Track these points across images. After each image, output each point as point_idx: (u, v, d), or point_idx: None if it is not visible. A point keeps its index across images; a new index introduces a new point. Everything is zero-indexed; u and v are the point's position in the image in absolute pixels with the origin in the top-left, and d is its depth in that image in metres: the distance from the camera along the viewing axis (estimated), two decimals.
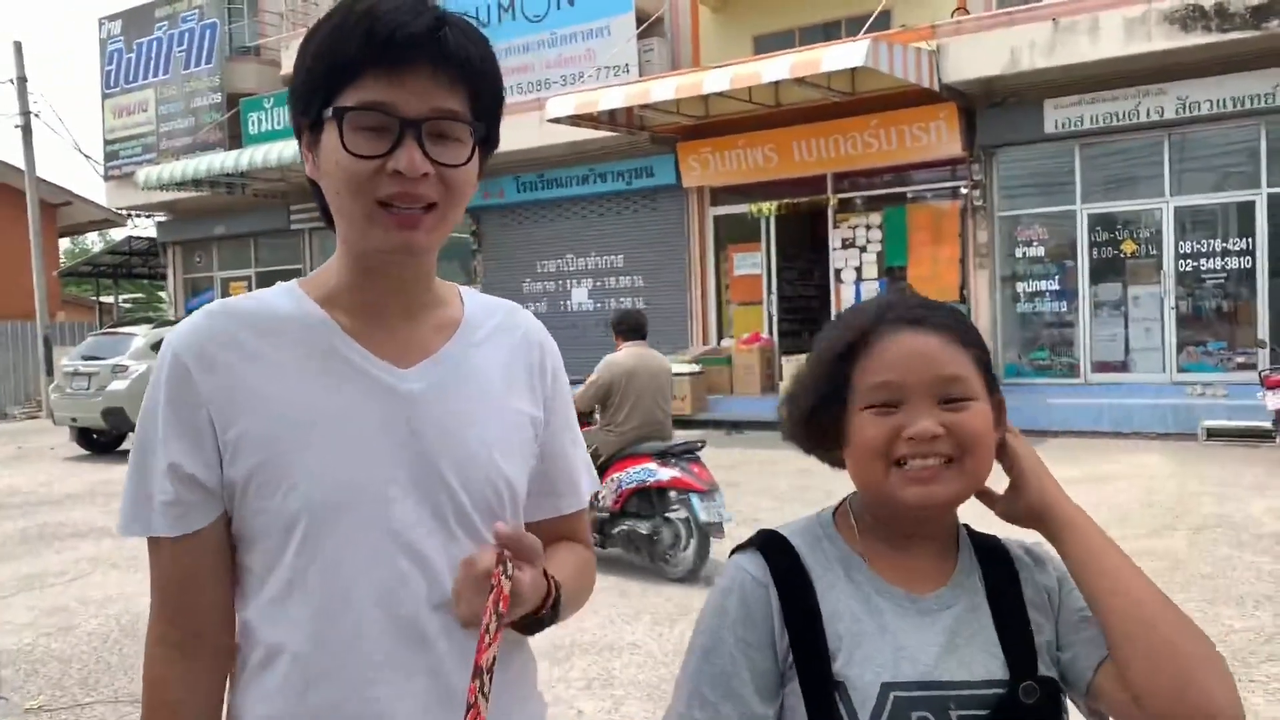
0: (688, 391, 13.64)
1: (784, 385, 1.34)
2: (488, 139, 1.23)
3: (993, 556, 1.26)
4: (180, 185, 18.25)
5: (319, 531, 1.18)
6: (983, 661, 1.18)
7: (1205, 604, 5.44)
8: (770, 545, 1.23)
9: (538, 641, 4.59)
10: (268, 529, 1.19)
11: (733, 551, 1.26)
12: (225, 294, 21.19)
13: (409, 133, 1.14)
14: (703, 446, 6.55)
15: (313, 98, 1.18)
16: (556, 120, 13.47)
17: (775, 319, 14.76)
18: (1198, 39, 10.74)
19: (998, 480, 1.24)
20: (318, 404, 1.20)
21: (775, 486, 9.28)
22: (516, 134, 14.87)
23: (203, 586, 1.22)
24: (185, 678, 1.22)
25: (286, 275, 19.32)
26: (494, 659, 1.09)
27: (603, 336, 15.48)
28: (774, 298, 14.78)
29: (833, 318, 1.30)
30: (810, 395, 1.25)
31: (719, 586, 1.22)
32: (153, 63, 22.38)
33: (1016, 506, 1.23)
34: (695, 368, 14.01)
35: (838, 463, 1.28)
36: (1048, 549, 1.26)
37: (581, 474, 1.41)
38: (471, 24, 1.21)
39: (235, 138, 20.20)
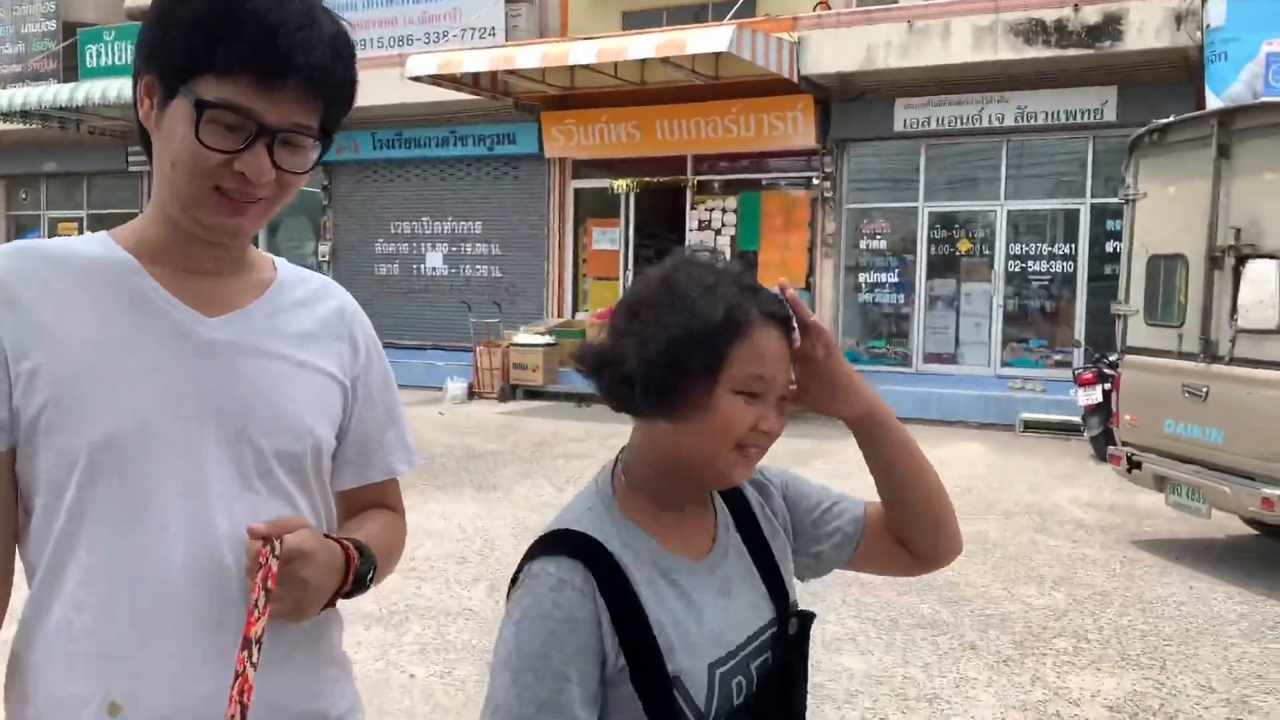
0: (540, 362, 13.66)
1: (639, 338, 1.21)
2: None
3: (732, 500, 1.37)
4: (6, 116, 17.00)
5: (108, 470, 1.18)
6: (755, 607, 1.30)
7: (1009, 583, 5.86)
8: (585, 551, 1.20)
9: (369, 606, 4.62)
10: (53, 467, 1.18)
11: (535, 553, 1.22)
12: (54, 235, 19.84)
13: (262, 140, 1.17)
14: None
15: (175, 62, 1.17)
16: (417, 79, 13.18)
17: None
18: (1038, 52, 11.36)
19: None
20: (117, 344, 1.20)
21: None
22: (375, 89, 14.43)
23: None
24: None
25: (122, 218, 18.30)
26: (263, 631, 1.14)
27: (456, 304, 15.37)
28: (630, 274, 14.90)
29: (687, 278, 1.23)
30: (682, 363, 1.19)
31: (538, 595, 1.18)
32: None
33: (847, 412, 1.33)
34: (549, 339, 14.03)
35: (646, 421, 1.26)
36: (768, 473, 1.41)
37: (394, 446, 1.44)
38: (346, 34, 1.22)
39: (71, 69, 18.93)
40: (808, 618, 1.32)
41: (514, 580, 1.23)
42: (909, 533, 1.38)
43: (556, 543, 1.21)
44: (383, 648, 4.63)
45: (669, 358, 1.18)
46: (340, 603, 1.31)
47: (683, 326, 1.19)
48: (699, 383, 1.19)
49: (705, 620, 1.24)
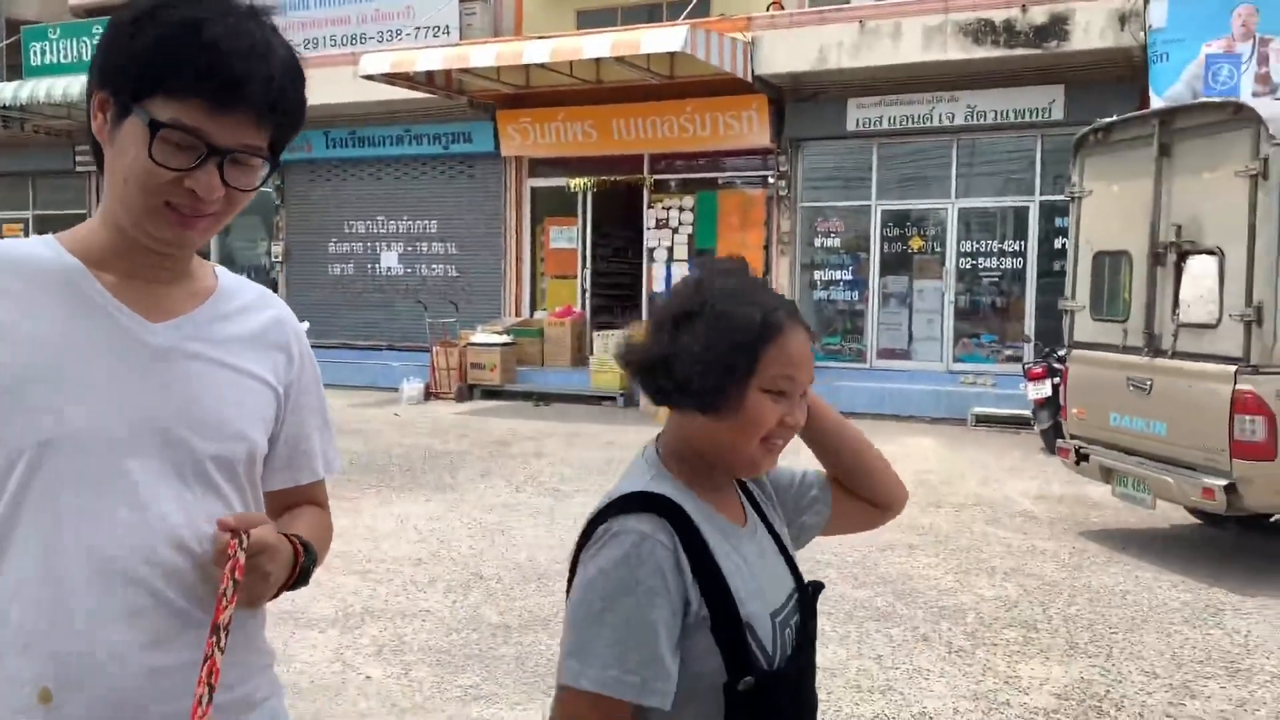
0: (498, 361, 13.63)
1: (682, 342, 1.33)
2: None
3: (742, 487, 1.51)
4: None
5: (49, 467, 1.22)
6: (784, 573, 1.46)
7: (961, 575, 5.95)
8: (665, 509, 1.31)
9: (326, 609, 4.61)
10: None
11: (613, 512, 1.31)
12: None
13: (213, 159, 1.21)
14: None
15: (130, 83, 1.21)
16: (371, 77, 13.10)
17: (588, 294, 14.92)
18: (987, 52, 11.53)
19: None
20: (64, 346, 1.24)
21: (580, 457, 9.45)
22: (328, 88, 14.33)
23: None
24: None
25: (69, 219, 17.95)
26: (230, 619, 1.23)
27: (412, 304, 15.27)
28: (588, 272, 14.91)
29: (721, 287, 1.36)
30: (724, 367, 1.32)
31: (625, 549, 1.27)
32: None
33: None
34: (507, 339, 14.00)
35: (682, 414, 1.39)
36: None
37: (318, 454, 1.50)
38: (297, 59, 1.27)
39: (14, 68, 18.55)
40: (820, 586, 1.49)
41: (585, 538, 1.33)
42: (859, 490, 1.59)
43: (635, 502, 1.32)
44: (339, 650, 4.61)
45: (712, 363, 1.31)
46: (275, 600, 1.38)
47: (724, 334, 1.32)
48: (735, 384, 1.32)
49: (761, 576, 1.39)
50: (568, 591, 1.33)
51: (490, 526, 6.89)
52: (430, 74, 13.37)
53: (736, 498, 1.47)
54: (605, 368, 13.22)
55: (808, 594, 1.46)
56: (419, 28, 15.65)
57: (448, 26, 15.51)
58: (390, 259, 16.04)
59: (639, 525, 1.28)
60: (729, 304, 1.33)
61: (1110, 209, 6.99)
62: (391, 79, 13.30)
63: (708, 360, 1.31)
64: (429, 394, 13.76)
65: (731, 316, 1.32)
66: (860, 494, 1.59)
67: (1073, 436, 7.09)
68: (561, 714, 1.28)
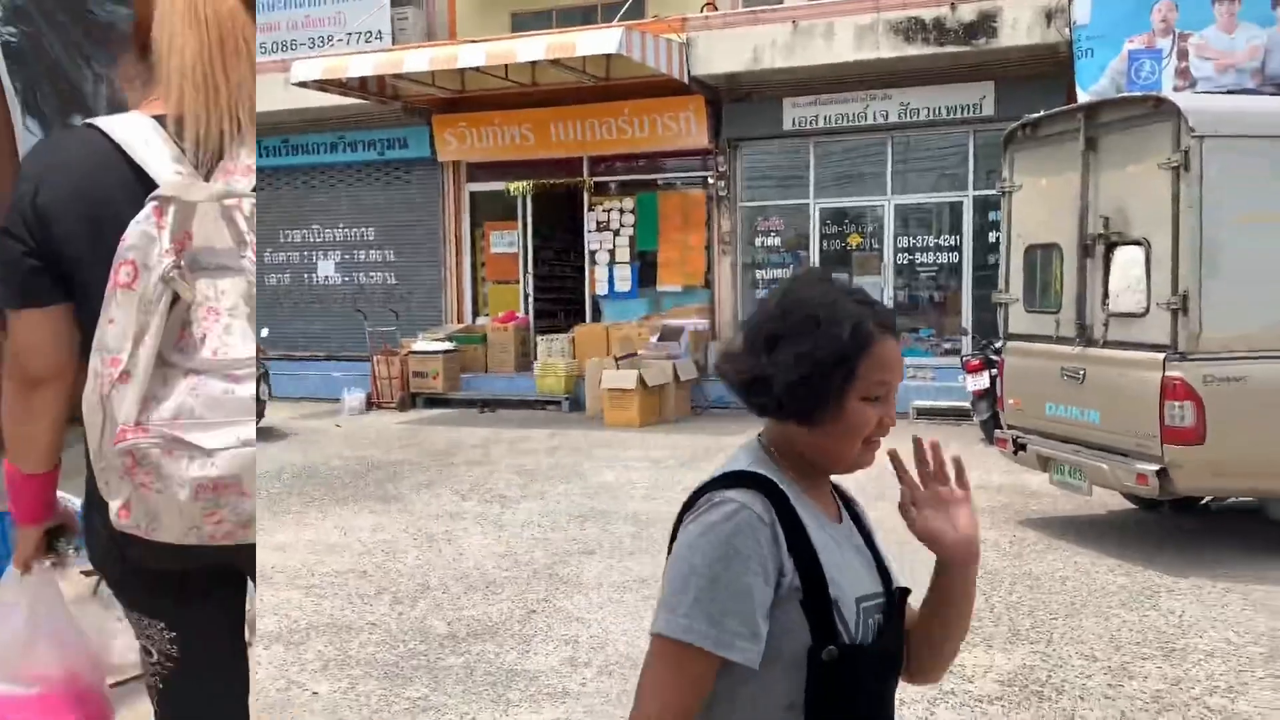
0: (440, 369, 13.51)
1: (779, 360, 1.40)
2: None
3: (840, 493, 1.60)
4: None
5: None
6: (873, 575, 1.52)
7: (905, 568, 6.01)
8: (763, 485, 1.39)
9: (270, 625, 4.50)
10: None
11: (715, 486, 1.39)
12: None
13: None
14: None
15: None
16: (303, 84, 12.92)
17: (531, 298, 14.85)
18: (918, 50, 11.69)
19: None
20: None
21: (526, 463, 9.40)
22: (259, 96, 14.07)
23: None
24: None
25: None
26: None
27: (351, 313, 15.07)
28: (530, 277, 14.84)
29: (811, 300, 1.42)
30: (821, 382, 1.39)
31: (724, 514, 1.35)
32: None
33: (961, 549, 1.51)
34: (449, 346, 13.88)
35: (786, 421, 1.46)
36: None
37: None
38: None
39: None
40: (907, 591, 1.54)
41: (687, 508, 1.41)
42: (924, 649, 1.56)
43: (736, 478, 1.40)
44: (283, 666, 4.54)
45: (809, 379, 1.38)
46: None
47: (819, 351, 1.38)
48: (834, 396, 1.39)
49: (851, 565, 1.46)
50: (668, 556, 1.41)
51: (436, 536, 6.82)
52: (363, 80, 13.22)
53: (833, 498, 1.54)
54: (550, 372, 13.18)
55: (895, 598, 1.51)
56: (351, 33, 15.47)
57: (380, 32, 15.35)
58: (327, 268, 15.82)
59: (740, 496, 1.36)
60: (821, 320, 1.39)
61: (1040, 202, 7.12)
62: (324, 85, 13.13)
63: (806, 377, 1.38)
64: (371, 404, 13.60)
65: (824, 333, 1.39)
66: (918, 653, 1.58)
67: (1010, 427, 7.21)
68: (649, 661, 1.37)
